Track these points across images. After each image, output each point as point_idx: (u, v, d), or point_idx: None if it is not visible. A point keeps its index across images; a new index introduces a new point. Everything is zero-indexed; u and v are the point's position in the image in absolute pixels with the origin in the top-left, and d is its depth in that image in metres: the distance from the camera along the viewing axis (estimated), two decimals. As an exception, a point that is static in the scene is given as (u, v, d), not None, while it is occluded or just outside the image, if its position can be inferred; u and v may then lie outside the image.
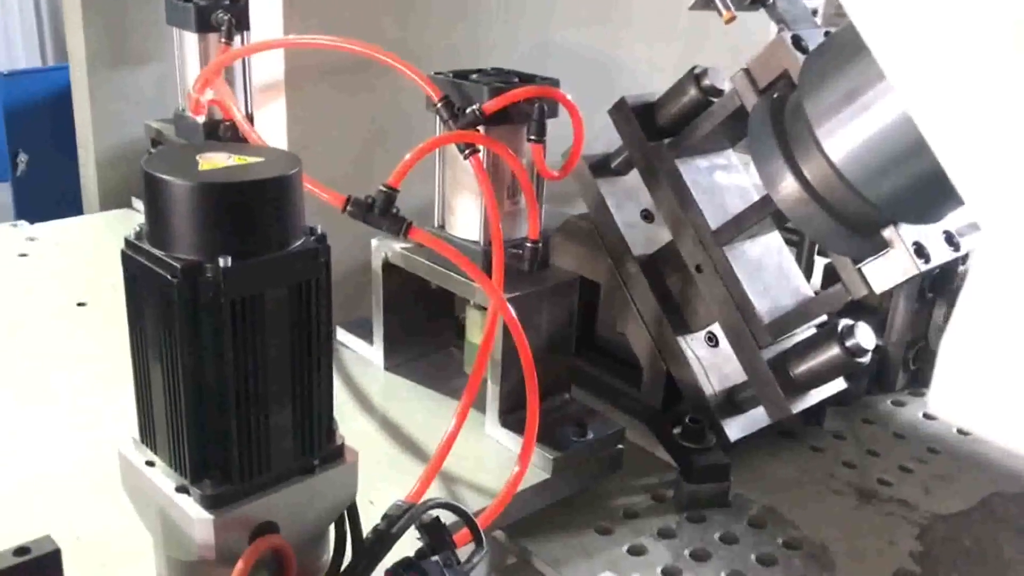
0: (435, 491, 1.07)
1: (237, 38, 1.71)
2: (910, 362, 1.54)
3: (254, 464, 0.74)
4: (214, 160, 0.73)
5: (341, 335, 1.45)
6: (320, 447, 0.79)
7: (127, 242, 0.74)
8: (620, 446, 1.23)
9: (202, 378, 0.71)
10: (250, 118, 1.53)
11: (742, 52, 1.25)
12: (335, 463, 0.80)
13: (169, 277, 0.70)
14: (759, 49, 1.19)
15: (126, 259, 0.74)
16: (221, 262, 0.68)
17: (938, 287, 1.48)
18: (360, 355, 1.43)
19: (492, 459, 1.19)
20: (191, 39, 1.79)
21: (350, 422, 1.26)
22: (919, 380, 1.57)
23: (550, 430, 1.17)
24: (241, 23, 1.68)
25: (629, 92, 1.35)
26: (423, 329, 1.42)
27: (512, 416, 1.21)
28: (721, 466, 1.24)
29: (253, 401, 0.73)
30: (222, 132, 1.74)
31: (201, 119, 1.74)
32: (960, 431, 1.45)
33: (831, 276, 1.46)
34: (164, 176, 0.69)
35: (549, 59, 1.67)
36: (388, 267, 1.33)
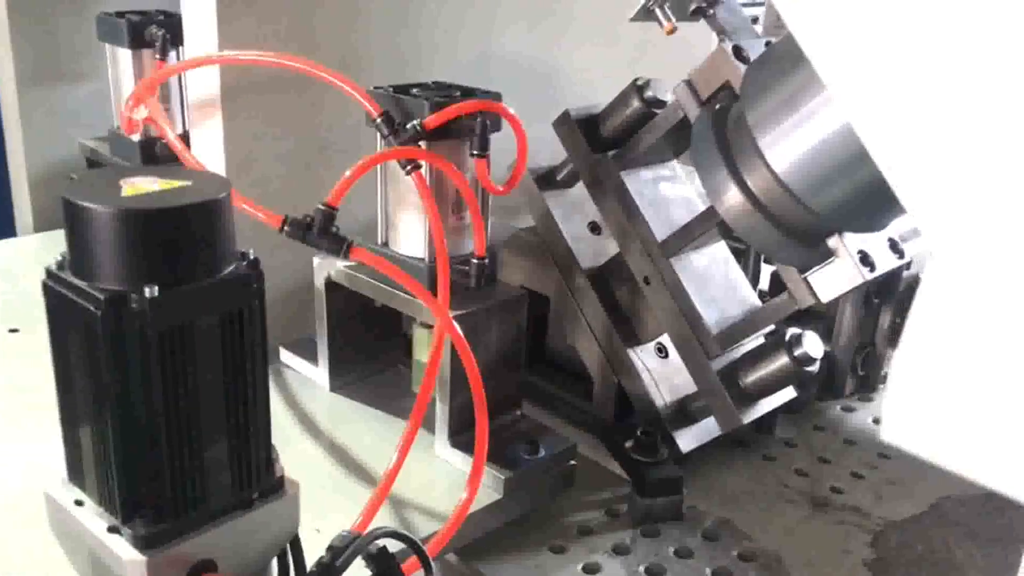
0: (383, 517, 1.05)
1: (172, 53, 1.67)
2: (858, 367, 1.54)
3: (188, 501, 0.71)
4: (138, 185, 0.70)
5: (284, 356, 1.42)
6: (259, 480, 0.76)
7: (48, 273, 0.70)
8: (572, 462, 1.21)
9: (131, 413, 0.68)
10: (186, 136, 1.49)
11: (685, 62, 1.25)
12: (275, 496, 0.77)
13: (92, 309, 0.66)
14: (701, 59, 1.19)
15: (48, 291, 0.70)
16: (147, 292, 0.65)
17: (884, 292, 1.49)
18: (305, 376, 1.39)
19: (442, 481, 1.16)
20: (124, 55, 1.74)
21: (295, 446, 1.23)
22: (867, 385, 1.58)
23: (501, 449, 1.15)
24: (176, 38, 1.64)
25: (573, 102, 1.34)
26: (369, 348, 1.39)
27: (462, 436, 1.19)
28: (674, 479, 1.23)
29: (185, 435, 0.70)
30: (159, 150, 1.70)
31: (136, 137, 1.70)
32: (909, 435, 1.46)
33: (778, 282, 1.47)
34: (84, 203, 0.66)
35: (492, 69, 1.65)
36: (331, 285, 1.31)
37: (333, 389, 1.36)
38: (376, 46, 1.49)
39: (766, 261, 1.65)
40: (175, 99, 1.73)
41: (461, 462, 1.18)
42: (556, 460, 1.19)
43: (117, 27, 1.71)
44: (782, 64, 1.03)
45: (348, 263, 1.25)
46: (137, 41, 1.70)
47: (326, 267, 1.29)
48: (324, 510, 1.03)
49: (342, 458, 1.20)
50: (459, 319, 1.11)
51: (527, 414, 1.29)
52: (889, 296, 1.50)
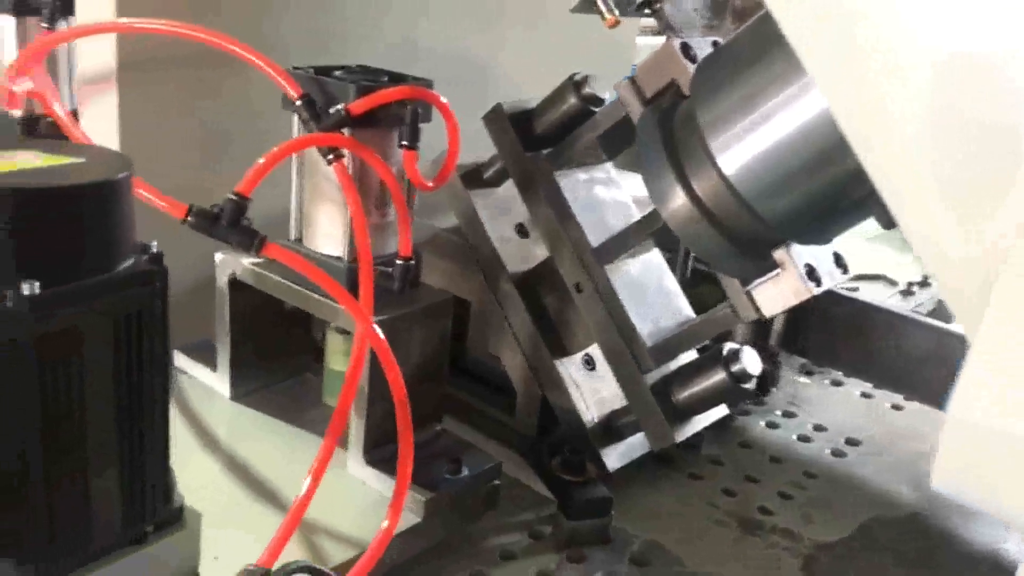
0: (292, 546, 0.94)
1: (62, 23, 1.51)
2: None
3: (70, 538, 0.60)
4: (18, 160, 0.58)
5: (180, 360, 1.29)
6: (154, 512, 0.65)
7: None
8: (496, 482, 1.13)
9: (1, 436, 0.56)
10: (74, 116, 1.34)
11: (617, 59, 1.18)
12: (173, 529, 0.67)
13: (-45, 308, 0.54)
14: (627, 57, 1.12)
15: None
16: (25, 289, 0.54)
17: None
18: (202, 383, 1.27)
19: (357, 503, 1.06)
20: (8, 23, 1.57)
21: (191, 463, 1.11)
22: (762, 388, 1.55)
23: (421, 467, 1.05)
24: (67, 6, 1.48)
25: (500, 96, 1.25)
26: (275, 354, 1.27)
27: (378, 453, 1.09)
28: (602, 500, 1.16)
29: (68, 463, 0.58)
30: (43, 129, 1.54)
31: (17, 113, 1.53)
32: (835, 453, 1.43)
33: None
34: (-52, 179, 0.55)
35: (416, 58, 1.55)
36: (236, 284, 1.19)
37: (234, 398, 1.24)
38: (291, 25, 1.37)
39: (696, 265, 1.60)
40: (63, 75, 1.57)
41: (377, 482, 1.08)
42: (480, 480, 1.10)
43: (-2, -10, 1.55)
44: (739, 63, 0.97)
45: (256, 260, 1.14)
46: (22, 7, 1.53)
47: (231, 264, 1.18)
48: (225, 536, 0.91)
49: (244, 476, 1.09)
50: (381, 325, 1.01)
51: (446, 429, 1.20)
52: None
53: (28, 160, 0.59)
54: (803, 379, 1.66)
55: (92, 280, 0.58)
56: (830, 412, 1.56)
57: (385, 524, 0.91)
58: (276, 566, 0.73)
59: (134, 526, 0.64)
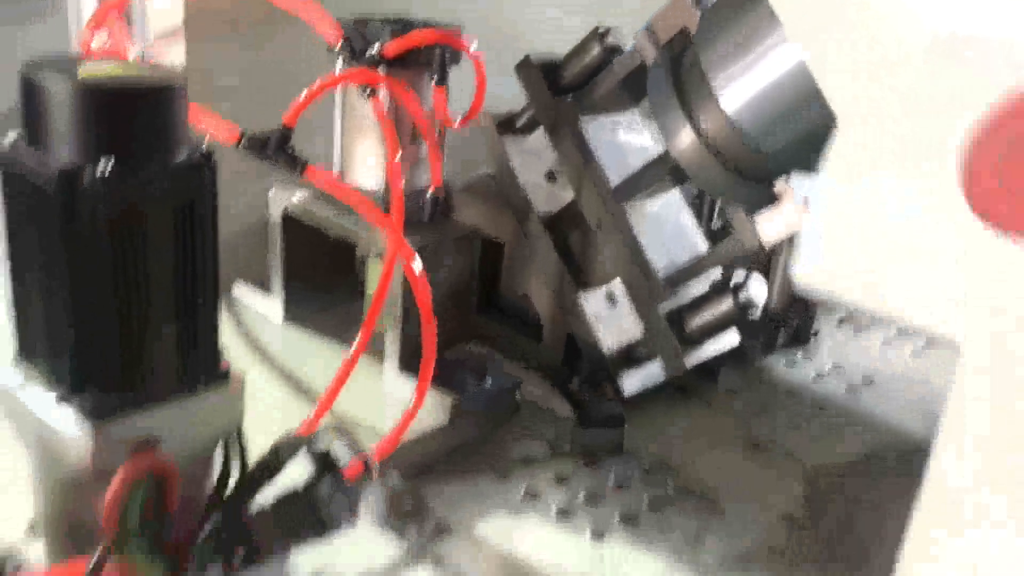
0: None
1: (137, -10, 1.66)
2: (791, 320, 1.59)
3: (136, 376, 0.73)
4: (96, 68, 0.71)
5: (237, 291, 1.42)
6: (205, 369, 0.78)
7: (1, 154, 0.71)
8: (518, 394, 1.24)
9: (82, 287, 0.69)
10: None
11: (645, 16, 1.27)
12: (220, 385, 0.79)
13: (45, 183, 0.67)
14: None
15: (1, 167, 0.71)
16: (100, 167, 0.66)
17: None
18: (257, 311, 1.40)
19: (391, 407, 1.18)
20: (88, -9, 1.73)
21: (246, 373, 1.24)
22: (799, 337, 1.62)
23: (449, 376, 1.17)
24: (142, -25, 1.63)
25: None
26: (323, 284, 1.40)
27: (412, 364, 1.21)
28: (616, 415, 1.26)
29: (135, 315, 0.71)
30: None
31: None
32: (849, 391, 1.51)
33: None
34: (43, 78, 0.67)
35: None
36: (287, 220, 1.32)
37: (286, 321, 1.37)
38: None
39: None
40: (137, 30, 1.71)
41: (411, 390, 1.20)
42: (503, 390, 1.22)
43: (80, -39, 1.70)
44: (736, 8, 1.07)
45: (303, 196, 1.27)
46: (102, -24, 1.68)
47: (282, 199, 1.30)
48: (273, 431, 1.04)
49: (292, 384, 1.22)
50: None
51: (476, 350, 1.31)
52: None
53: (104, 69, 0.71)
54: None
55: (155, 165, 0.70)
56: (851, 355, 1.63)
57: (410, 405, 1.03)
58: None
59: (188, 377, 0.77)
